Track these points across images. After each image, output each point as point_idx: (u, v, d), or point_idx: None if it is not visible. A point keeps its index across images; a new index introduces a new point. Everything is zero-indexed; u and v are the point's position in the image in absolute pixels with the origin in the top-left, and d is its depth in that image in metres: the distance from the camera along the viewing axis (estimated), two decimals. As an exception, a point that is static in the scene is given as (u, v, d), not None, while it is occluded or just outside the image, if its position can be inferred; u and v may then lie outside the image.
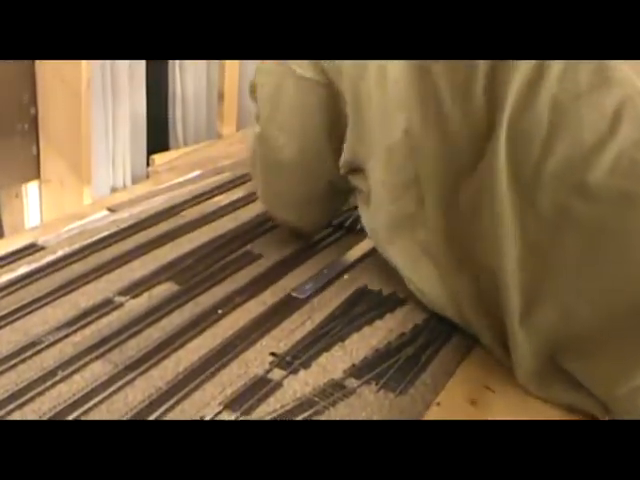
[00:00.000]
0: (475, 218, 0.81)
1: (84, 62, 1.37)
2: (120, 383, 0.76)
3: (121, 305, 0.90)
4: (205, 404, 0.74)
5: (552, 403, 0.79)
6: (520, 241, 0.78)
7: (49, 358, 0.79)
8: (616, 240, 0.73)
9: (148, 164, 1.61)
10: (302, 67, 0.93)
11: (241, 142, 1.49)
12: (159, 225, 1.13)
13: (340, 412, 0.75)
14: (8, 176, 1.45)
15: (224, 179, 1.33)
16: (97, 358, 0.80)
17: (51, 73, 1.41)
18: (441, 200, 0.83)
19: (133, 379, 0.77)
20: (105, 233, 1.08)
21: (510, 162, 0.77)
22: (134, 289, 0.94)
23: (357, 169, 0.94)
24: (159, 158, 1.57)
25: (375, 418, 0.75)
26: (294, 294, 0.95)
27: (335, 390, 0.78)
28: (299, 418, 0.73)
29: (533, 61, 0.76)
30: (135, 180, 1.62)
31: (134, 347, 0.82)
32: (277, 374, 0.80)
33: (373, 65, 0.86)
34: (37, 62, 1.42)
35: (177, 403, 0.74)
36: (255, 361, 0.82)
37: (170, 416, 0.72)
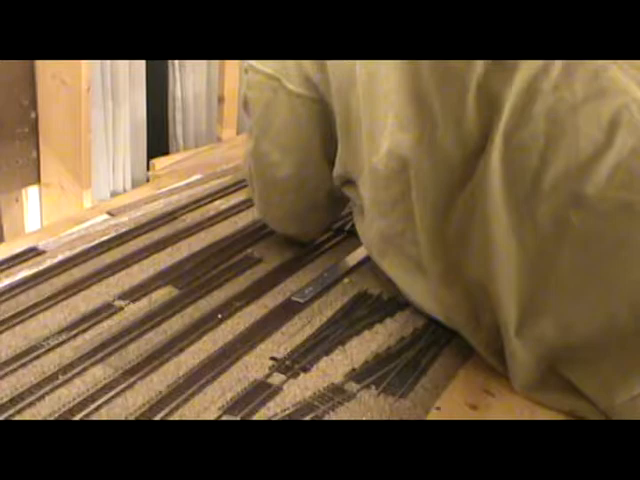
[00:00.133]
0: (467, 234, 0.81)
1: (84, 65, 1.38)
2: (120, 387, 0.76)
3: (121, 309, 0.90)
4: (205, 408, 0.74)
5: (552, 409, 0.79)
6: (517, 255, 0.77)
7: (49, 362, 0.79)
8: (615, 251, 0.73)
9: (148, 168, 1.61)
10: (293, 82, 0.93)
11: (241, 146, 1.48)
12: (159, 229, 1.13)
13: (340, 416, 0.75)
14: (8, 180, 1.46)
15: (224, 183, 1.33)
16: (97, 362, 0.80)
17: (51, 76, 1.41)
18: (432, 218, 0.82)
19: (133, 383, 0.77)
20: (105, 237, 1.08)
21: (505, 177, 0.76)
22: (134, 293, 0.94)
23: (350, 182, 0.94)
24: (159, 162, 1.57)
25: (375, 422, 0.74)
26: (294, 298, 0.95)
27: (335, 394, 0.78)
28: (299, 422, 0.73)
29: (526, 74, 0.76)
30: (135, 184, 1.63)
31: (134, 351, 0.82)
32: (277, 378, 0.80)
33: (362, 80, 0.85)
34: (37, 65, 1.42)
35: (177, 407, 0.74)
36: (255, 365, 0.82)
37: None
